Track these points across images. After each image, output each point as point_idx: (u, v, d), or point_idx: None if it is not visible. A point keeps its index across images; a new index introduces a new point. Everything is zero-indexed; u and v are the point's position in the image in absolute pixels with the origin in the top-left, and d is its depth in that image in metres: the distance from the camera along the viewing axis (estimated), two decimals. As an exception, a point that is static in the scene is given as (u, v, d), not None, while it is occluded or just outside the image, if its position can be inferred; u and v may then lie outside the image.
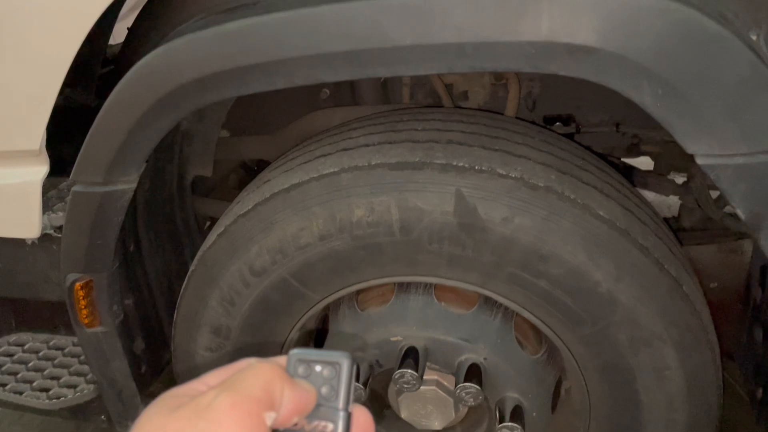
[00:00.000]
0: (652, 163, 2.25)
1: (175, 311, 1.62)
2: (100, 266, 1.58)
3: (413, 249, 1.38)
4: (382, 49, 1.20)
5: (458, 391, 1.43)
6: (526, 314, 1.44)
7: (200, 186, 2.18)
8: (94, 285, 1.58)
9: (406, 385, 1.43)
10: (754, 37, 1.13)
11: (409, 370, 1.42)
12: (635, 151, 2.15)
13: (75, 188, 1.50)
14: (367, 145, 1.41)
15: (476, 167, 1.31)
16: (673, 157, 2.14)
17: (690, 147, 1.15)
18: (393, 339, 1.50)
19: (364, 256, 1.42)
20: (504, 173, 1.31)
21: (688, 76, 1.10)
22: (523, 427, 1.46)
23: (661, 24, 1.08)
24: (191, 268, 1.56)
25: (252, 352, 1.59)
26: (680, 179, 2.11)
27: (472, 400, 1.42)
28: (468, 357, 1.48)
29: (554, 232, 1.30)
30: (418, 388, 1.44)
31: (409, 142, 1.39)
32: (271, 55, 1.25)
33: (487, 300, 1.50)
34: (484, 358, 1.47)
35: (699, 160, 1.15)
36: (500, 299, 1.45)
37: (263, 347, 1.59)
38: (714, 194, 1.95)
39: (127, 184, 1.48)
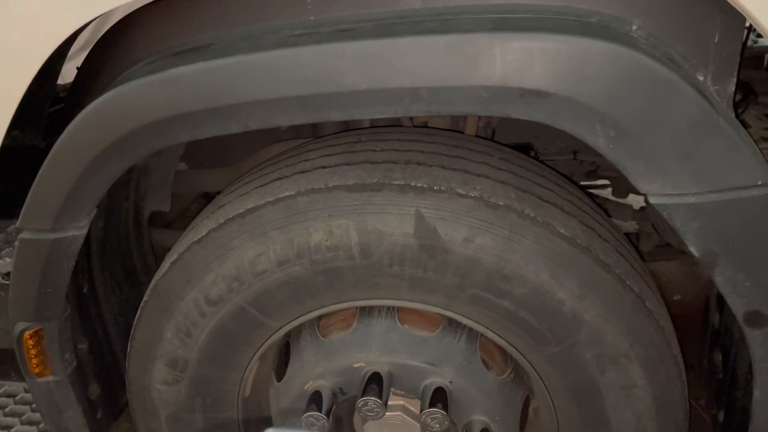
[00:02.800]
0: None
1: (129, 344, 1.55)
2: (51, 314, 1.52)
3: (374, 272, 1.35)
4: (336, 94, 1.19)
5: (424, 417, 1.39)
6: (491, 335, 1.42)
7: (159, 218, 2.12)
8: (44, 334, 1.52)
9: (369, 413, 1.39)
10: (701, 78, 1.16)
11: (373, 398, 1.37)
12: (594, 175, 2.16)
13: (22, 235, 1.45)
14: (324, 167, 1.38)
15: (435, 187, 1.29)
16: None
17: (643, 187, 1.17)
18: (356, 365, 1.46)
19: (323, 281, 1.38)
20: (463, 193, 1.28)
21: (639, 118, 1.12)
22: (492, 451, 1.42)
23: (612, 68, 1.10)
24: (144, 298, 1.49)
25: (209, 383, 1.54)
26: (638, 204, 2.12)
27: (438, 425, 1.38)
28: (433, 381, 1.44)
29: (516, 251, 1.28)
30: (382, 415, 1.40)
31: (367, 163, 1.36)
32: (224, 100, 1.23)
33: (451, 321, 1.47)
34: (450, 382, 1.44)
35: (652, 200, 1.17)
36: (464, 320, 1.42)
37: (222, 379, 1.54)
38: None
39: (77, 231, 1.43)
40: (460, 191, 1.29)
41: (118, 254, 1.90)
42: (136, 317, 1.52)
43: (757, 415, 1.30)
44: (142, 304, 1.50)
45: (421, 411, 1.40)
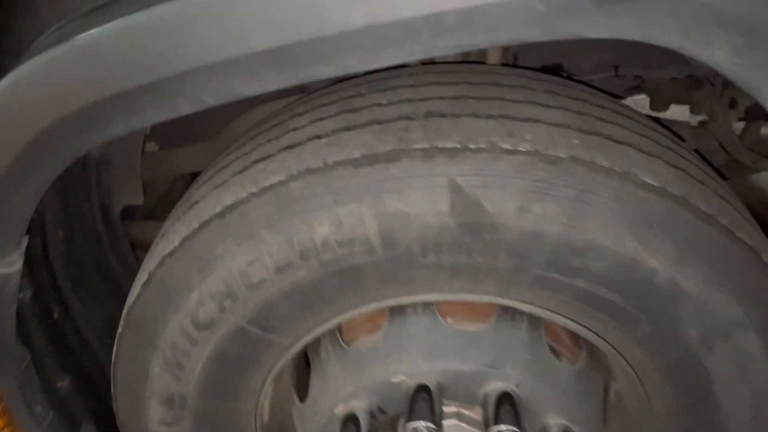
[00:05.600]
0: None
1: (111, 383, 1.26)
2: (4, 370, 1.23)
3: (403, 266, 1.03)
4: (321, 39, 0.85)
5: (491, 434, 1.10)
6: (561, 321, 1.11)
7: (136, 210, 1.80)
8: (2, 393, 1.23)
9: (422, 441, 1.10)
10: None
11: (423, 423, 1.08)
12: (637, 91, 1.79)
13: None
14: (318, 137, 1.04)
15: (471, 145, 0.95)
16: (673, 89, 1.78)
17: None
18: (395, 379, 1.16)
19: (339, 283, 1.06)
20: (511, 148, 0.95)
21: None
22: (577, 458, 1.14)
23: None
24: (119, 330, 1.19)
25: (218, 416, 1.26)
26: (695, 120, 1.78)
27: (510, 443, 1.09)
28: (495, 386, 1.15)
29: (588, 216, 0.96)
30: (439, 438, 1.11)
31: (374, 123, 1.02)
32: (162, 69, 0.88)
33: (507, 308, 1.16)
34: (516, 384, 1.15)
35: None
36: (524, 307, 1.11)
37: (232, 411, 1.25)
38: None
39: (8, 267, 1.13)
40: (506, 146, 0.95)
41: (91, 264, 1.60)
42: (114, 352, 1.22)
43: None
44: (117, 337, 1.20)
45: (486, 428, 1.11)
